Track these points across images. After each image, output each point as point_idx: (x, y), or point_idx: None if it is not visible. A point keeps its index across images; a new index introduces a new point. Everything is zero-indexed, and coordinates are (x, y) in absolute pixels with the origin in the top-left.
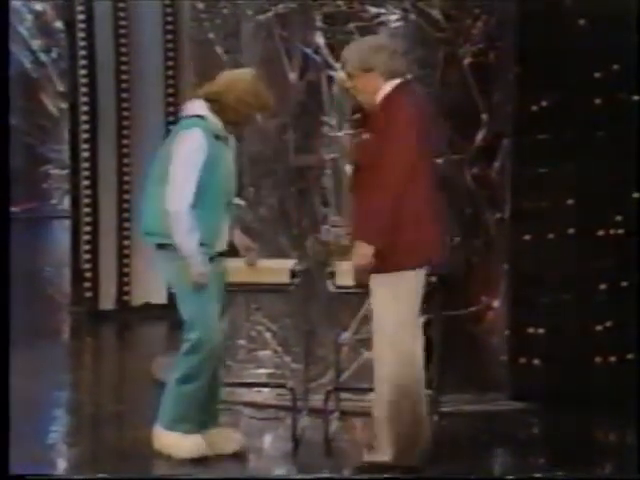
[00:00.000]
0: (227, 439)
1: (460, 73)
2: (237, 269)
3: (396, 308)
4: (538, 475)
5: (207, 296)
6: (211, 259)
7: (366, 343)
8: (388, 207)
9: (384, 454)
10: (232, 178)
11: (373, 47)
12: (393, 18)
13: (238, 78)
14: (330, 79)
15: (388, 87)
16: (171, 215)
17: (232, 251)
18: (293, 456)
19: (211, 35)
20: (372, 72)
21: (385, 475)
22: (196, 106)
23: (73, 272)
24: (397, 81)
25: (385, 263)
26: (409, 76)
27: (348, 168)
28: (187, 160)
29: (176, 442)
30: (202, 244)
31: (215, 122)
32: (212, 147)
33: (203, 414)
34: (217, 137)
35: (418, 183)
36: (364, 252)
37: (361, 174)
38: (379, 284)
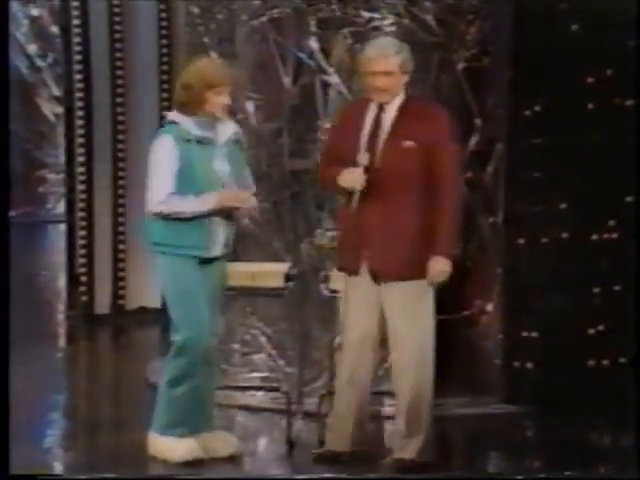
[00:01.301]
0: (222, 442)
1: (454, 78)
2: (231, 273)
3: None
4: (536, 476)
5: (195, 299)
6: (202, 262)
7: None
8: (457, 219)
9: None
10: (219, 179)
11: (405, 49)
12: (387, 23)
13: (189, 66)
14: (324, 84)
15: (403, 94)
16: (153, 215)
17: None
18: (287, 459)
19: (206, 40)
20: (405, 75)
21: (384, 475)
22: (170, 114)
23: (68, 276)
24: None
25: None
26: None
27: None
28: (157, 165)
29: (170, 446)
30: (188, 246)
31: (190, 126)
32: (184, 151)
33: (196, 417)
34: (195, 141)
35: None
36: (446, 269)
37: (392, 184)
38: (425, 290)
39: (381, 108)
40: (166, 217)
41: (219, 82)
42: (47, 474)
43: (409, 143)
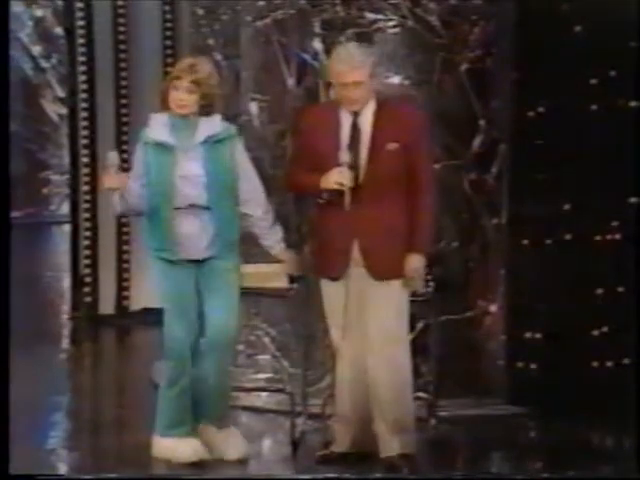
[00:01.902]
0: (231, 444)
1: (457, 79)
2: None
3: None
4: (538, 476)
5: (175, 302)
6: (188, 263)
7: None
8: (433, 216)
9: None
10: (190, 181)
11: (372, 55)
12: (391, 24)
13: None
14: (328, 85)
15: (374, 100)
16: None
17: None
18: (292, 460)
19: (210, 41)
20: (374, 78)
21: (386, 475)
22: (153, 115)
23: (73, 277)
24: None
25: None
26: None
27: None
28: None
29: (172, 447)
30: (158, 249)
31: (154, 129)
32: (146, 155)
33: (198, 415)
34: (152, 144)
35: None
36: (420, 265)
37: (381, 185)
38: (400, 290)
39: (356, 113)
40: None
41: (174, 77)
42: (47, 474)
43: (393, 145)
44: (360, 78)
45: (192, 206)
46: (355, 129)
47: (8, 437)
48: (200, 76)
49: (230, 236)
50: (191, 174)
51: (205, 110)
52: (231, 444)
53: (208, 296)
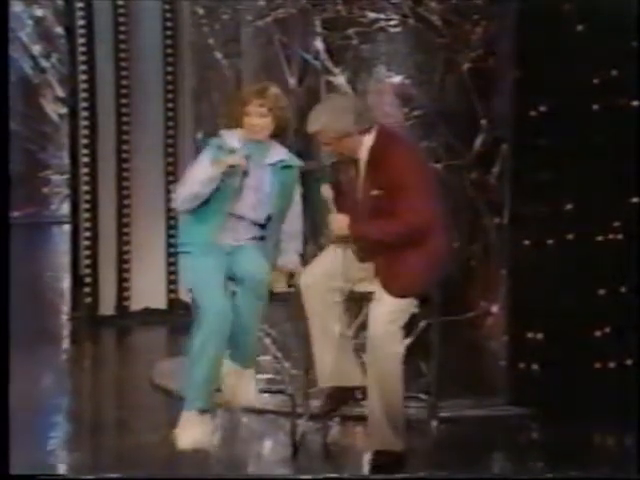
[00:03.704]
0: (249, 390)
1: (459, 78)
2: None
3: None
4: (539, 476)
5: (208, 276)
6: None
7: (365, 348)
8: (379, 235)
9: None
10: (255, 194)
11: (342, 112)
12: (392, 23)
13: None
14: (329, 85)
15: (369, 141)
16: (178, 207)
17: None
18: (293, 462)
19: (211, 40)
20: (350, 136)
21: (386, 475)
22: (224, 131)
23: (72, 277)
24: (374, 132)
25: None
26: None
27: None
28: (190, 172)
29: (184, 425)
30: (195, 245)
31: (231, 139)
32: (213, 158)
33: (234, 354)
34: (227, 150)
35: None
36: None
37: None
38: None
39: (357, 160)
40: (189, 210)
41: (245, 103)
42: (47, 474)
43: (376, 191)
44: (326, 139)
45: (246, 218)
46: (357, 176)
47: (8, 437)
48: (273, 103)
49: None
50: (258, 187)
51: (276, 134)
52: (250, 390)
53: (240, 260)
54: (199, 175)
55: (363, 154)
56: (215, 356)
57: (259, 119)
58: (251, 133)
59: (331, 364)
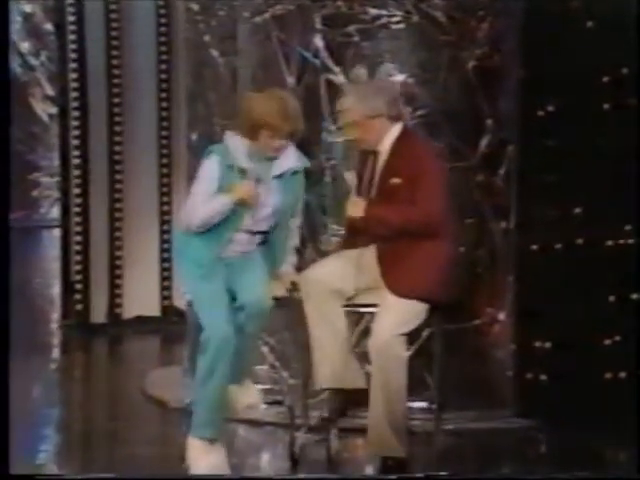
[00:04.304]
0: (249, 395)
1: (464, 77)
2: None
3: None
4: (540, 476)
5: (213, 298)
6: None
7: (366, 357)
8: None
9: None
10: (260, 210)
11: (376, 93)
12: (395, 20)
13: (260, 92)
14: (329, 83)
15: (395, 131)
16: (190, 228)
17: None
18: (291, 475)
19: (206, 37)
20: (379, 118)
21: (386, 475)
22: (228, 133)
23: (63, 283)
24: (400, 126)
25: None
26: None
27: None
28: (198, 185)
29: (196, 454)
30: (199, 265)
31: (238, 153)
32: (225, 177)
33: (233, 376)
34: (237, 170)
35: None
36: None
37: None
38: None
39: (376, 152)
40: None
41: (272, 127)
42: (47, 474)
43: (397, 180)
44: (353, 118)
45: (255, 232)
46: (373, 169)
47: (8, 437)
48: (296, 123)
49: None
50: (268, 202)
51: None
52: (252, 392)
53: (240, 274)
54: (215, 204)
55: (385, 144)
56: (221, 382)
57: (282, 141)
58: (268, 151)
59: (333, 366)
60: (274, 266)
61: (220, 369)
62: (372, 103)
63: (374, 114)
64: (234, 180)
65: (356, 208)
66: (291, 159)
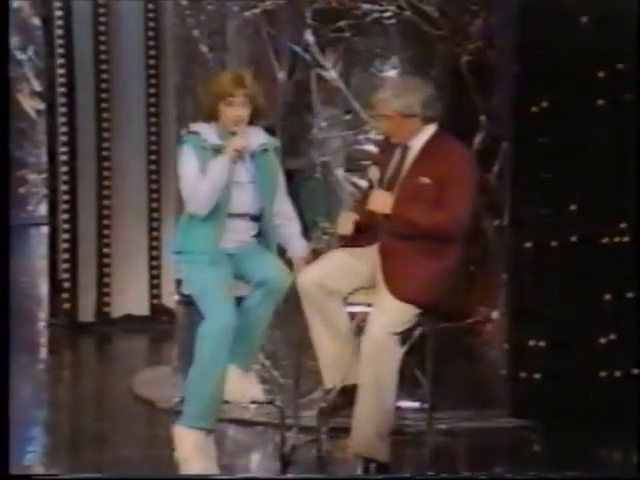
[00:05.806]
0: (251, 389)
1: (457, 73)
2: None
3: None
4: (540, 475)
5: (217, 286)
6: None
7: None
8: (423, 228)
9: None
10: (243, 188)
11: (414, 90)
12: (387, 15)
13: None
14: (320, 79)
15: (428, 131)
16: (195, 213)
17: None
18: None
19: (195, 32)
20: (413, 117)
21: (386, 475)
22: (192, 125)
23: (50, 282)
24: (434, 126)
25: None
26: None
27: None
28: (183, 175)
29: (191, 446)
30: (196, 253)
31: (208, 134)
32: (203, 159)
33: (238, 357)
34: (211, 149)
35: None
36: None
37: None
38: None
39: (406, 147)
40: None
41: (227, 93)
42: (47, 474)
43: (424, 180)
44: (387, 112)
45: (245, 215)
46: (401, 163)
47: (8, 437)
48: (253, 90)
49: (271, 243)
50: (244, 181)
51: (253, 120)
52: (252, 389)
53: (249, 260)
54: (214, 173)
55: (417, 142)
56: (223, 371)
57: (241, 109)
58: (231, 124)
59: (337, 363)
60: (268, 242)
61: (221, 358)
62: (408, 101)
63: (408, 113)
64: (211, 159)
65: (383, 203)
66: (259, 136)
